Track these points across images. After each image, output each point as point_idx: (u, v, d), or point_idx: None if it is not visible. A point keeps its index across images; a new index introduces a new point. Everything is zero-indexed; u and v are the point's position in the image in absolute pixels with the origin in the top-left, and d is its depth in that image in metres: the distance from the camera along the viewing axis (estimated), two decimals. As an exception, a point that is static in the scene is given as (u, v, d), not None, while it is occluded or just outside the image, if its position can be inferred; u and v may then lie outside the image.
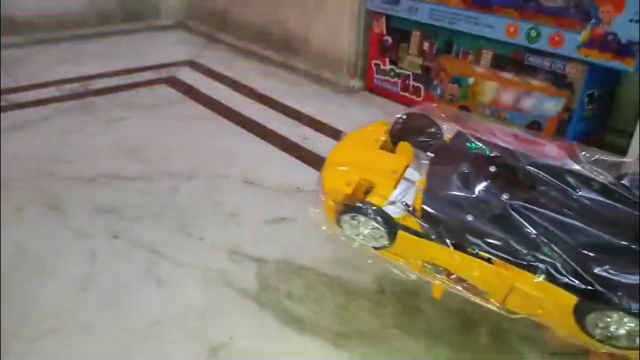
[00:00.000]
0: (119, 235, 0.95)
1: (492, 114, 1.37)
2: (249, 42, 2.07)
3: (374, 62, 1.65)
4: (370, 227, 0.71)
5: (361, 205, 0.70)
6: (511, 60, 1.31)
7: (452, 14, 1.38)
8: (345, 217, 0.72)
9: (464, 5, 1.36)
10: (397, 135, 0.84)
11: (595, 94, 1.23)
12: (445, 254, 0.67)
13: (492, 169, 0.70)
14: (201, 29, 2.31)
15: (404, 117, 0.85)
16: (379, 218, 0.69)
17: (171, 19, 2.43)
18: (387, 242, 0.71)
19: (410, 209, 0.70)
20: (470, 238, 0.65)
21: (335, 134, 1.39)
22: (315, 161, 1.24)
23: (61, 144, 1.28)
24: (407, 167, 0.76)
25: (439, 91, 1.49)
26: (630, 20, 1.08)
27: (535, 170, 0.69)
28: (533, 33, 1.23)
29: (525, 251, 0.63)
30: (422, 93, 1.54)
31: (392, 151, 0.82)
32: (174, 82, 1.72)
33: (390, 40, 1.58)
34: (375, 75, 1.66)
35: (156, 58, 1.94)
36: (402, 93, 1.59)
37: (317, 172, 1.17)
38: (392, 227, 0.69)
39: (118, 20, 2.29)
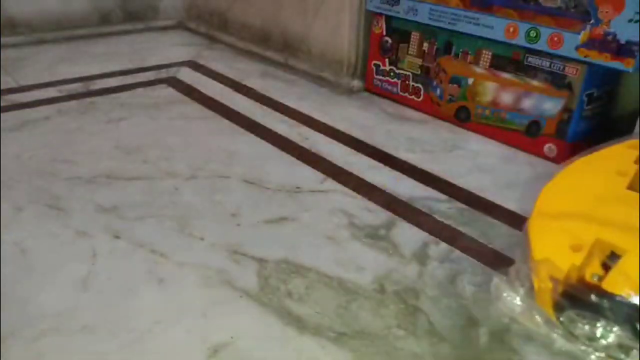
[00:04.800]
0: (120, 235, 0.95)
1: (492, 114, 1.38)
2: (249, 43, 2.07)
3: (373, 62, 1.66)
4: (615, 334, 0.44)
5: (598, 300, 0.43)
6: (511, 61, 1.31)
7: (452, 14, 1.38)
8: (570, 313, 0.47)
9: (464, 5, 1.36)
10: None
11: (594, 94, 1.24)
12: None
13: None
14: (201, 29, 2.32)
15: None
16: (627, 320, 0.42)
17: (171, 19, 2.43)
18: None
19: None
20: None
21: (335, 134, 1.39)
22: (315, 161, 1.25)
23: (62, 144, 1.29)
24: None
25: (438, 92, 1.49)
26: (630, 21, 1.08)
27: None
28: (532, 33, 1.24)
29: None
30: (422, 94, 1.54)
31: None
32: (174, 83, 1.72)
33: (389, 41, 1.59)
34: (375, 76, 1.66)
35: (156, 58, 1.94)
36: (401, 93, 1.60)
37: (316, 173, 1.20)
38: None
39: (118, 20, 2.30)
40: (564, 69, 1.22)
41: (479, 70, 1.38)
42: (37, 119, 1.41)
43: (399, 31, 1.56)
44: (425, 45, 1.50)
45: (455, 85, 1.44)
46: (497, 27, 1.30)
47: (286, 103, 1.58)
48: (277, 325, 0.77)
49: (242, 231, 0.98)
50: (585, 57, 1.16)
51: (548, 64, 1.24)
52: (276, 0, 1.90)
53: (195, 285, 0.84)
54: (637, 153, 0.58)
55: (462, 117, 1.45)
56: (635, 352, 0.44)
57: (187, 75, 1.79)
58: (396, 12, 1.52)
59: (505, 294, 0.53)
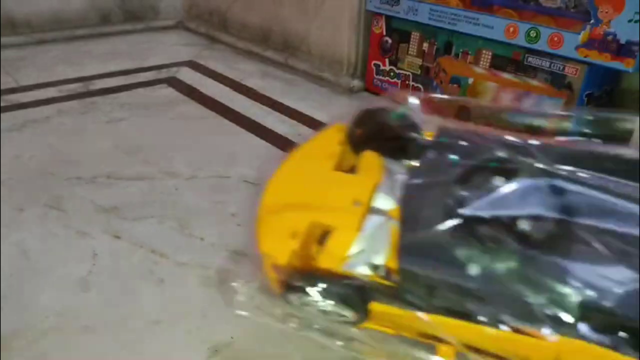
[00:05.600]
0: (120, 235, 0.95)
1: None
2: (249, 43, 2.07)
3: (373, 62, 1.66)
4: (329, 304, 0.50)
5: (302, 281, 0.48)
6: (510, 61, 1.31)
7: (452, 14, 1.38)
8: (292, 297, 0.52)
9: (464, 6, 1.36)
10: (359, 142, 0.60)
11: (594, 94, 1.24)
12: (449, 327, 0.45)
13: (499, 182, 0.44)
14: (201, 29, 2.32)
15: (366, 114, 0.61)
16: (336, 293, 0.47)
17: (171, 19, 2.43)
18: (355, 320, 0.51)
19: (381, 268, 0.46)
20: (475, 303, 0.41)
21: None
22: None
23: (62, 144, 1.29)
24: (374, 189, 0.53)
25: (438, 92, 1.49)
26: (630, 21, 1.08)
27: (571, 171, 0.44)
28: (532, 33, 1.24)
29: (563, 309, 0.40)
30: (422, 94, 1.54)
31: (354, 167, 0.58)
32: (174, 83, 1.72)
33: (389, 41, 1.59)
34: (375, 76, 1.66)
35: (156, 58, 1.95)
36: (402, 93, 1.60)
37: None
38: (359, 299, 0.48)
39: (118, 20, 2.30)
40: (564, 69, 1.22)
41: (479, 70, 1.38)
42: (37, 119, 1.41)
43: (399, 31, 1.56)
44: (425, 45, 1.50)
45: (455, 85, 1.44)
46: (497, 27, 1.30)
47: (286, 103, 1.58)
48: (277, 325, 0.77)
49: (243, 231, 0.98)
50: (585, 57, 1.16)
51: (548, 64, 1.24)
52: (276, 0, 1.90)
53: (195, 285, 0.84)
54: (342, 135, 0.60)
55: (462, 117, 1.45)
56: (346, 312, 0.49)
57: (187, 75, 1.79)
58: (396, 12, 1.52)
59: (241, 292, 0.57)
